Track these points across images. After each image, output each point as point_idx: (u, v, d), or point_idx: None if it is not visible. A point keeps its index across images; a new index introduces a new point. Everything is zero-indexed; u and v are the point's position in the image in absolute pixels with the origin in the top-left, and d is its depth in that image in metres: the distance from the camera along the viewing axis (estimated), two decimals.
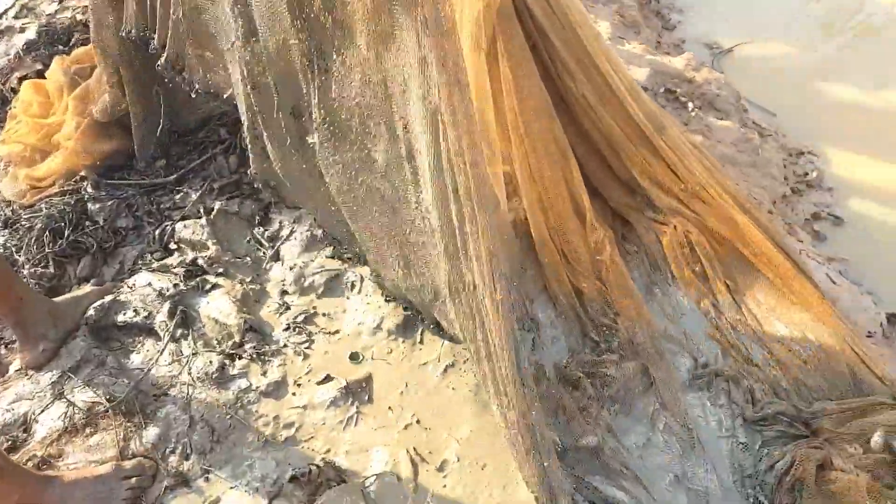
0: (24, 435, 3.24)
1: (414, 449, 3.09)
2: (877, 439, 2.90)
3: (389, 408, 3.25)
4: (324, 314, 3.65)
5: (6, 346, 3.60)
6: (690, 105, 4.38)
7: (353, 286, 3.72)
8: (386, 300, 3.55)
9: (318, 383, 3.36)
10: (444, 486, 2.96)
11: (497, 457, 2.98)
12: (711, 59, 5.43)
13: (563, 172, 3.63)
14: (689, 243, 3.49)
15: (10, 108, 4.66)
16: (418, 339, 3.44)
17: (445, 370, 3.31)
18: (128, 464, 3.05)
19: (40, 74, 4.89)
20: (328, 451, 3.15)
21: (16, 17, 5.92)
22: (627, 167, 3.72)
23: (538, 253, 3.56)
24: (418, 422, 3.17)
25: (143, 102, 4.15)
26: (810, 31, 5.71)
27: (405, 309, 3.45)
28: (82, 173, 4.19)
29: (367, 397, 3.30)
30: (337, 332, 3.57)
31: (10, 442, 3.19)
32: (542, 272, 3.51)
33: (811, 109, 4.94)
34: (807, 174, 4.32)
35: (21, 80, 4.91)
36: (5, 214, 4.25)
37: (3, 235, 4.17)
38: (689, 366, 3.20)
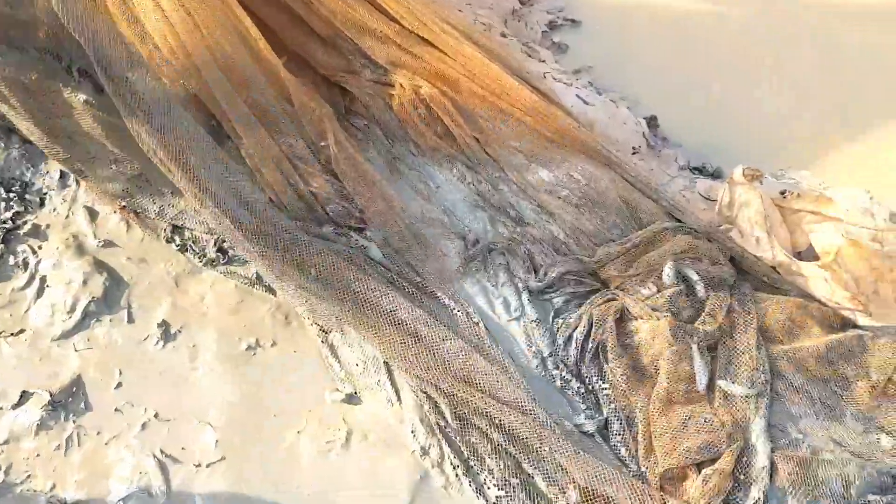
0: None
1: (161, 451, 2.43)
2: (668, 272, 2.62)
3: (116, 409, 2.52)
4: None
5: None
6: None
7: (25, 265, 2.82)
8: None
9: (15, 406, 2.55)
10: (210, 480, 2.37)
11: (265, 428, 2.42)
12: None
13: (245, 46, 2.82)
14: (423, 101, 2.89)
15: None
16: (127, 313, 2.68)
17: (169, 339, 2.62)
18: None
19: None
20: (53, 487, 2.41)
21: None
22: (326, 18, 2.97)
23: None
24: (157, 416, 2.49)
25: None
26: None
27: None
28: None
29: (82, 405, 2.54)
30: (22, 330, 2.71)
31: None
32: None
33: None
34: None
35: None
36: None
37: None
38: (458, 248, 2.71)
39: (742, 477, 2.32)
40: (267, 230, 2.48)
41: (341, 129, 2.83)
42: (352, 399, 2.47)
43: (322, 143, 2.77)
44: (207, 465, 2.39)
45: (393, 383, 2.45)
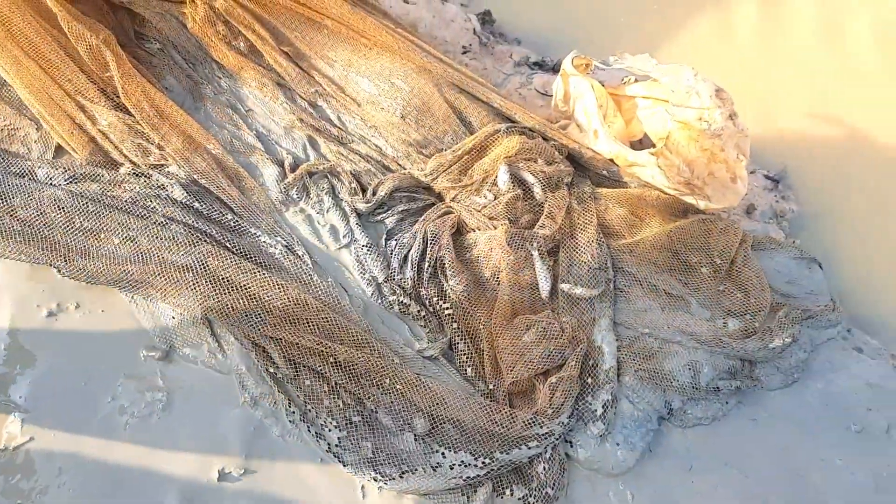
0: None
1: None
2: (502, 177, 2.45)
3: None
4: None
5: None
6: None
7: None
8: None
9: None
10: (19, 464, 2.11)
11: (76, 400, 2.17)
12: None
13: None
14: (220, 16, 2.58)
15: None
16: None
17: None
18: None
19: None
20: None
21: None
22: None
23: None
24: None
25: None
26: None
27: None
28: None
29: None
30: None
31: None
32: None
33: None
34: None
35: None
36: None
37: None
38: (276, 175, 2.46)
39: (590, 380, 2.23)
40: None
41: (128, 57, 2.49)
42: (170, 355, 2.24)
43: (106, 75, 2.44)
44: (14, 449, 2.13)
45: (214, 333, 2.23)
